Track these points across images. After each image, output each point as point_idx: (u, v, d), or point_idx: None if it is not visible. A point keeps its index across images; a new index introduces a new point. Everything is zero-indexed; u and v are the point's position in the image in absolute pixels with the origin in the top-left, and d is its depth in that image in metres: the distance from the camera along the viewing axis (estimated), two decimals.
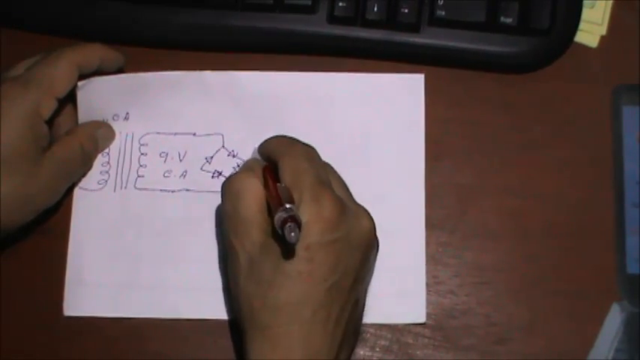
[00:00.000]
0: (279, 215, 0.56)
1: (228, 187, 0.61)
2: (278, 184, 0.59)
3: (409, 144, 0.69)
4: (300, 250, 0.57)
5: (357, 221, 0.60)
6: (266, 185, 0.61)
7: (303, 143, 0.63)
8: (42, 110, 0.63)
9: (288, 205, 0.56)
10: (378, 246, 0.63)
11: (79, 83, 0.66)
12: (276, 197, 0.58)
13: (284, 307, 0.57)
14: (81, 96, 0.67)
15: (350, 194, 0.63)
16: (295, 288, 0.57)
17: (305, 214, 0.57)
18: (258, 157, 0.66)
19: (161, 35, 0.71)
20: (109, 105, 0.69)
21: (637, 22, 0.70)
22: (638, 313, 0.66)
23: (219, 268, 0.67)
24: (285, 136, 0.65)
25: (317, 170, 0.60)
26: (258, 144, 0.66)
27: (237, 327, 0.61)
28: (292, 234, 0.55)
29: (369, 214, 0.61)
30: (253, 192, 0.60)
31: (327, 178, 0.61)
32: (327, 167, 0.63)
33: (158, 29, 0.70)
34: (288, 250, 0.57)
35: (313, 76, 0.70)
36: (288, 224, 0.55)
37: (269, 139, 0.65)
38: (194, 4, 0.70)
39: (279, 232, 0.56)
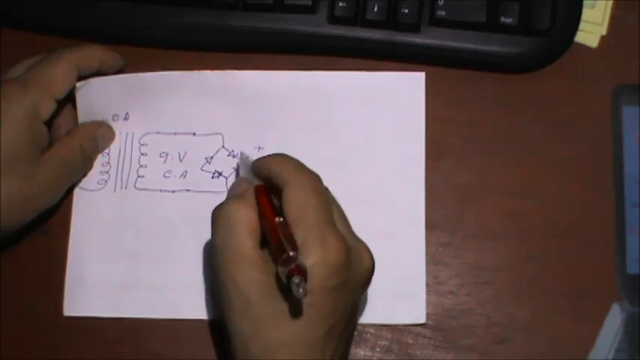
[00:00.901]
0: (285, 267, 0.53)
1: (220, 218, 0.58)
2: (277, 220, 0.57)
3: (410, 142, 0.69)
4: None
5: (360, 263, 0.58)
6: (261, 213, 0.58)
7: (309, 171, 0.60)
8: (41, 111, 0.63)
9: (292, 254, 0.54)
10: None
11: (78, 84, 0.66)
12: (276, 236, 0.56)
13: (281, 348, 0.56)
14: (80, 97, 0.67)
15: (349, 226, 0.61)
16: (294, 331, 0.56)
17: (310, 257, 0.55)
18: (248, 172, 0.63)
19: (161, 35, 0.71)
20: (109, 105, 0.69)
21: (637, 22, 0.70)
22: (639, 313, 0.66)
23: None
24: (290, 159, 0.61)
25: (324, 206, 0.58)
26: (248, 151, 0.65)
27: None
28: (300, 290, 0.53)
29: (369, 251, 0.60)
30: (247, 224, 0.57)
31: (331, 214, 0.58)
32: (331, 198, 0.61)
33: (158, 29, 0.70)
34: (287, 295, 0.55)
35: (313, 74, 0.70)
36: (295, 276, 0.53)
37: (269, 157, 0.62)
38: (194, 4, 0.70)
39: (285, 282, 0.54)
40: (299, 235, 0.56)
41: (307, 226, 0.56)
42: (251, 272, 0.56)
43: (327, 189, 0.60)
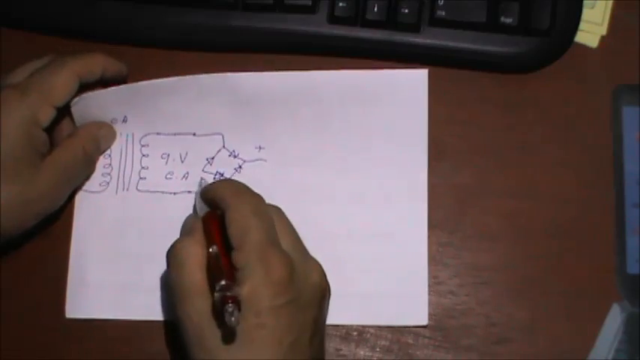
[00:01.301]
0: (218, 295, 0.54)
1: (172, 257, 0.60)
2: (211, 250, 0.58)
3: (412, 140, 0.68)
4: (250, 316, 0.56)
5: (307, 278, 0.59)
6: (209, 246, 0.59)
7: (251, 192, 0.62)
8: (40, 117, 0.63)
9: (223, 282, 0.55)
10: (329, 293, 0.62)
11: (73, 101, 0.66)
12: (215, 268, 0.57)
13: None
14: (75, 112, 0.67)
15: (299, 243, 0.61)
16: (249, 354, 0.56)
17: (253, 279, 0.56)
18: (200, 202, 0.64)
19: (161, 35, 0.71)
20: (105, 114, 0.69)
21: (637, 22, 0.70)
22: (639, 313, 0.66)
23: None
24: (231, 182, 0.64)
25: (265, 226, 0.59)
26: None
27: None
28: (232, 318, 0.54)
29: (319, 266, 0.60)
30: (195, 259, 0.59)
31: (273, 234, 0.59)
32: (276, 215, 0.61)
33: (158, 29, 0.70)
34: (245, 329, 0.56)
35: (313, 74, 0.70)
36: (228, 305, 0.54)
37: (213, 184, 0.64)
38: (194, 4, 0.69)
39: (219, 310, 0.54)
40: (241, 257, 0.57)
41: (248, 247, 0.58)
42: (201, 303, 0.58)
43: (273, 208, 0.61)
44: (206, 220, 0.61)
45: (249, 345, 0.56)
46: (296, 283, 0.58)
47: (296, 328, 0.57)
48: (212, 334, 0.57)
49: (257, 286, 0.56)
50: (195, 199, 0.66)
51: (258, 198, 0.61)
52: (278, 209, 0.62)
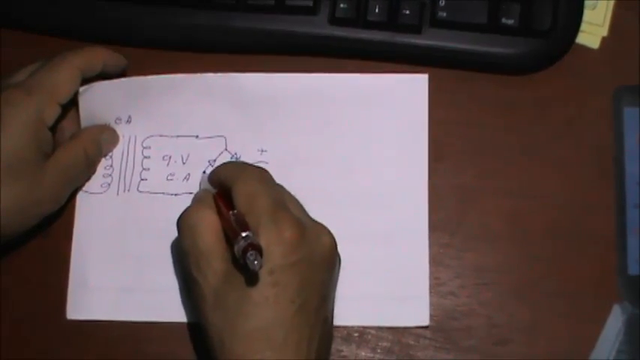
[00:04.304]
0: (240, 244, 0.55)
1: (183, 223, 0.61)
2: (231, 212, 0.59)
3: (413, 144, 0.69)
4: (264, 274, 0.57)
5: (318, 239, 0.60)
6: (220, 214, 0.60)
7: (255, 166, 0.63)
8: (45, 117, 0.63)
9: (244, 234, 0.56)
10: (340, 261, 0.62)
11: (81, 89, 0.66)
12: (231, 226, 0.58)
13: (254, 334, 0.57)
14: (83, 101, 0.67)
15: (306, 213, 0.62)
16: (264, 314, 0.57)
17: (265, 238, 0.57)
18: (208, 185, 0.65)
19: (162, 36, 0.71)
20: (111, 109, 0.69)
21: (638, 23, 0.70)
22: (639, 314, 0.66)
23: None
24: (235, 162, 0.66)
25: (271, 192, 0.60)
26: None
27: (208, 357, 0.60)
28: (255, 262, 0.55)
29: (328, 230, 0.61)
30: (208, 223, 0.60)
31: (282, 200, 0.60)
32: (281, 188, 0.63)
33: (159, 30, 0.70)
34: (252, 277, 0.57)
35: (316, 77, 0.70)
36: (250, 252, 0.55)
37: (218, 166, 0.65)
38: (195, 5, 0.69)
39: (241, 261, 0.55)
40: (251, 221, 0.58)
41: (257, 212, 0.59)
42: (217, 264, 0.59)
43: (279, 184, 0.63)
44: (214, 199, 0.62)
45: (264, 304, 0.57)
46: (307, 243, 0.58)
47: (307, 289, 0.58)
48: (228, 294, 0.58)
49: (269, 244, 0.57)
50: (201, 184, 0.67)
51: (263, 170, 0.62)
52: (282, 186, 0.63)
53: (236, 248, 0.56)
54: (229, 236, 0.58)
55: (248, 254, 0.55)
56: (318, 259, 0.59)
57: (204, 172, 0.68)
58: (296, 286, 0.57)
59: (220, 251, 0.59)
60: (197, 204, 0.62)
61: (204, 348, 0.60)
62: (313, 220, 0.61)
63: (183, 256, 0.61)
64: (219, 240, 0.59)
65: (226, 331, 0.57)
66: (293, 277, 0.57)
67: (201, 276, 0.59)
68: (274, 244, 0.57)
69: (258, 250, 0.55)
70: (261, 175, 0.62)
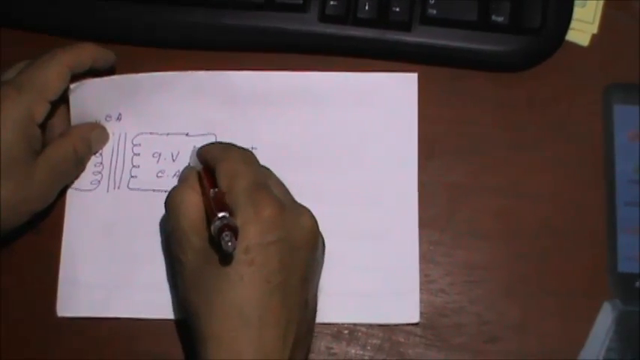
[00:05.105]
0: (215, 224, 0.56)
1: (169, 203, 0.62)
2: (211, 190, 0.59)
3: (402, 143, 0.69)
4: (239, 253, 0.57)
5: (298, 220, 0.59)
6: (203, 193, 0.61)
7: (240, 147, 0.63)
8: (35, 114, 0.63)
9: (221, 214, 0.56)
10: (324, 245, 0.62)
11: (72, 86, 0.66)
12: (210, 206, 0.58)
13: (230, 312, 0.57)
14: (73, 98, 0.67)
15: (291, 196, 0.62)
16: (239, 292, 0.57)
17: (242, 217, 0.57)
18: (196, 161, 0.65)
19: (152, 34, 0.71)
20: (102, 106, 0.69)
21: (628, 20, 0.70)
22: (630, 311, 0.66)
23: None
24: (221, 142, 0.66)
25: (253, 173, 0.61)
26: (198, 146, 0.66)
27: (189, 335, 0.60)
28: (229, 243, 0.55)
29: (310, 212, 0.60)
30: (191, 202, 0.60)
31: (264, 181, 0.61)
32: (266, 170, 0.63)
33: (149, 28, 0.70)
34: (228, 256, 0.57)
35: (306, 75, 0.70)
36: (224, 233, 0.55)
37: (205, 145, 0.65)
38: (185, 2, 0.70)
39: (217, 240, 0.56)
40: (230, 200, 0.59)
41: (237, 191, 0.59)
42: (197, 242, 0.59)
43: (264, 167, 0.63)
44: (199, 177, 0.62)
45: (239, 283, 0.57)
46: (286, 223, 0.58)
47: (285, 269, 0.58)
48: (206, 271, 0.58)
49: (246, 223, 0.57)
50: (190, 158, 0.66)
51: (247, 151, 0.63)
52: (268, 168, 0.63)
53: (212, 228, 0.56)
54: (209, 216, 0.59)
55: (223, 235, 0.55)
56: (298, 240, 0.59)
57: (194, 146, 0.67)
58: (273, 265, 0.57)
59: (201, 230, 0.59)
60: (182, 184, 0.62)
61: (187, 331, 0.61)
62: (296, 202, 0.62)
63: (167, 235, 0.63)
64: (201, 219, 0.60)
65: (202, 308, 0.58)
66: (270, 257, 0.57)
67: (182, 254, 0.60)
68: (251, 223, 0.57)
69: (234, 231, 0.56)
70: (245, 155, 0.62)
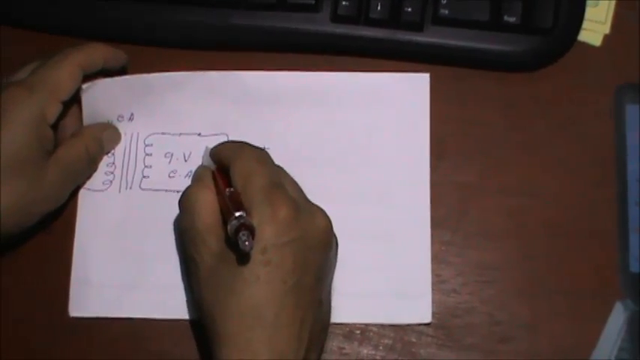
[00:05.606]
0: (232, 224, 0.56)
1: (183, 203, 0.62)
2: (227, 190, 0.59)
3: (414, 144, 0.69)
4: (256, 253, 0.57)
5: (313, 220, 0.60)
6: (218, 192, 0.61)
7: (254, 146, 0.63)
8: (47, 114, 0.63)
9: (238, 213, 0.56)
10: (337, 245, 0.63)
11: (84, 86, 0.66)
12: (226, 205, 0.58)
13: (245, 312, 0.57)
14: (85, 98, 0.67)
15: (304, 195, 0.62)
16: (255, 292, 0.57)
17: (258, 217, 0.57)
18: (209, 161, 0.65)
19: (164, 34, 0.71)
20: (114, 106, 0.69)
21: None
22: None
23: None
24: (235, 141, 0.66)
25: (268, 172, 0.61)
26: (212, 145, 0.66)
27: (203, 334, 0.61)
28: (247, 242, 0.55)
29: (324, 212, 0.61)
30: (206, 203, 0.60)
31: (279, 180, 0.61)
32: (280, 170, 0.63)
33: (160, 28, 0.70)
34: (244, 256, 0.57)
35: (317, 75, 0.70)
36: (242, 232, 0.55)
37: (220, 144, 0.65)
38: (196, 2, 0.70)
39: (234, 240, 0.56)
40: (246, 200, 0.59)
41: (252, 190, 0.59)
42: (213, 242, 0.59)
43: (279, 166, 0.63)
44: (214, 176, 0.63)
45: (255, 283, 0.57)
46: (301, 223, 0.58)
47: (300, 270, 0.58)
48: (221, 271, 0.58)
49: (262, 223, 0.57)
50: (203, 158, 0.67)
51: (261, 150, 0.63)
52: (281, 167, 0.63)
53: (229, 228, 0.56)
54: (224, 216, 0.59)
55: (240, 234, 0.55)
56: (313, 240, 0.59)
57: (207, 146, 0.67)
58: (289, 266, 0.57)
59: (216, 230, 0.60)
60: (197, 183, 0.62)
61: (202, 331, 0.61)
62: (310, 202, 0.62)
63: (182, 234, 0.63)
64: (216, 219, 0.60)
65: (218, 308, 0.58)
66: (286, 257, 0.57)
67: (197, 254, 0.60)
68: (267, 223, 0.57)
69: (251, 231, 0.56)
70: (259, 154, 0.62)
